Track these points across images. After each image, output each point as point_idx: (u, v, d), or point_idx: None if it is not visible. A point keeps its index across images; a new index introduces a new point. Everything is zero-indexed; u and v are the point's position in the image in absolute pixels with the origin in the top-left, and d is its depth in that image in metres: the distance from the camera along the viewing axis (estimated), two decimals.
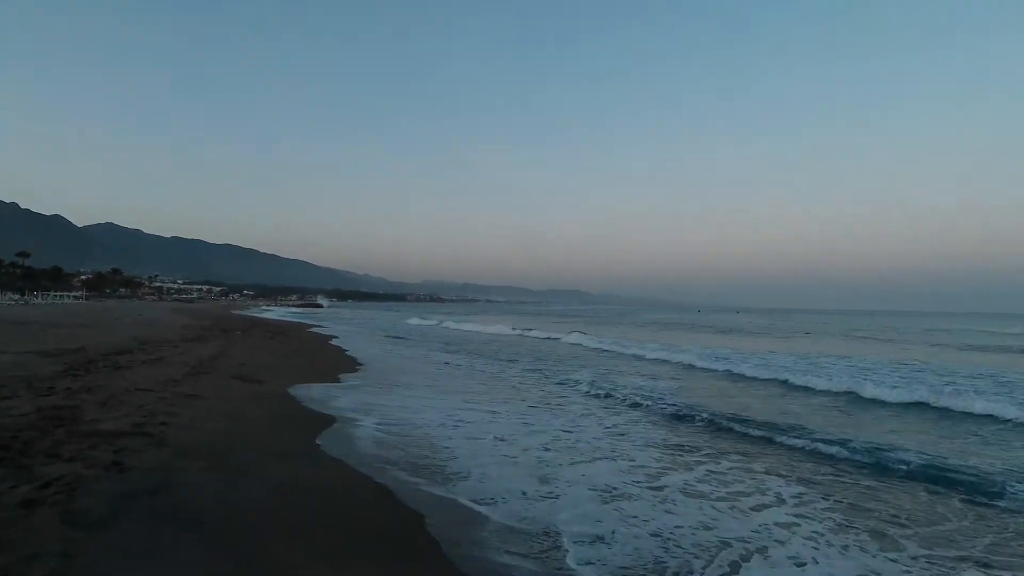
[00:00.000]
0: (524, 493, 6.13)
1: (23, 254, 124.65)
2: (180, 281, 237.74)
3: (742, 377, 17.15)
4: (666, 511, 5.72)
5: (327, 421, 9.42)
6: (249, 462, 6.43)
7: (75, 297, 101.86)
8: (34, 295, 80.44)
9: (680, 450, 8.41)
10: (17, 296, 72.90)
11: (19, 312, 41.72)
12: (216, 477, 5.72)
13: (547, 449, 8.21)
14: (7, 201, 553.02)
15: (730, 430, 9.77)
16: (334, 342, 28.20)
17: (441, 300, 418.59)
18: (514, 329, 40.42)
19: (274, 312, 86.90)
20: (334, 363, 18.95)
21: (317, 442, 7.93)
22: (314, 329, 39.71)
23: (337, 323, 53.00)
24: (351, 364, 18.79)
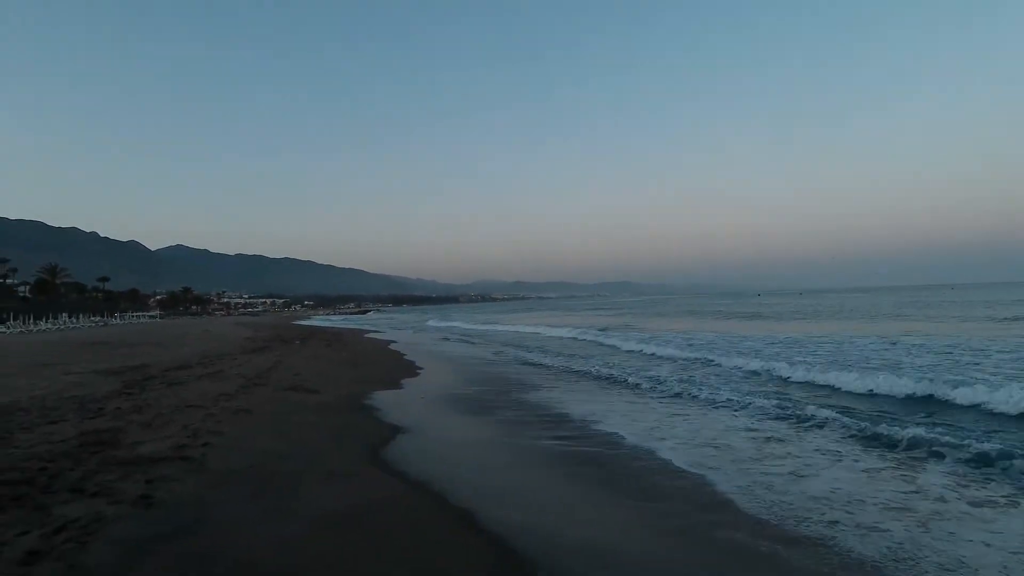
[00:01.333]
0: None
1: (103, 279, 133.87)
2: (245, 296, 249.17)
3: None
4: None
5: (389, 432, 8.64)
6: (298, 486, 5.64)
7: (151, 316, 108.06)
8: (113, 316, 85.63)
9: None
10: (98, 318, 77.77)
11: (97, 333, 43.98)
12: (258, 509, 4.93)
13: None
14: (87, 231, 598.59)
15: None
16: (392, 347, 27.87)
17: (493, 299, 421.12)
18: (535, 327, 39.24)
19: (330, 320, 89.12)
20: (393, 369, 18.40)
21: (380, 456, 7.12)
22: (371, 335, 39.83)
23: (393, 328, 53.31)
24: (411, 369, 18.18)
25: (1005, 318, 30.24)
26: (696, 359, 17.66)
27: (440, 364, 19.72)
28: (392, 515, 5.10)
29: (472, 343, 30.26)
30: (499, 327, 46.21)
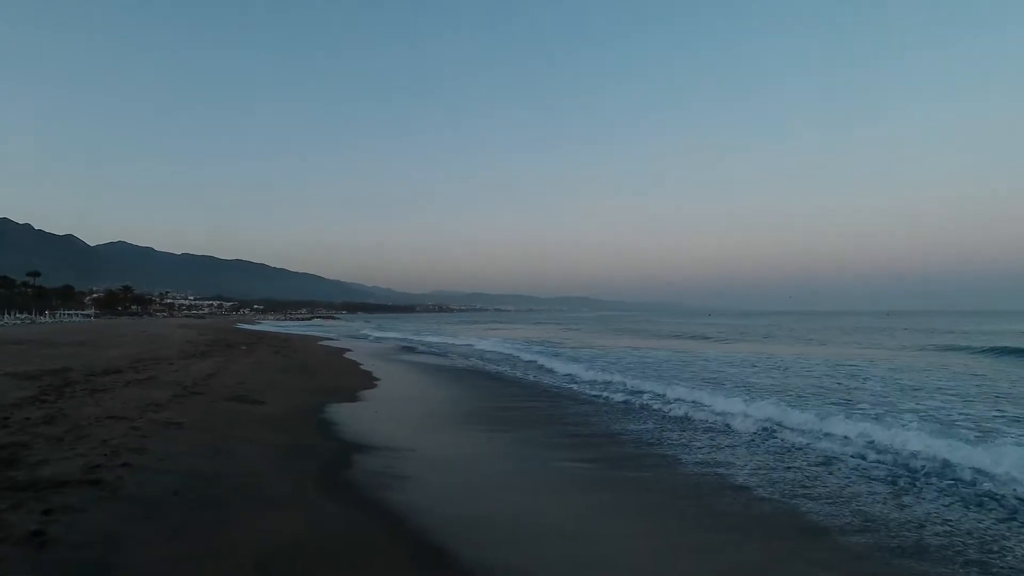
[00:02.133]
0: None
1: (34, 274, 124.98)
2: (191, 297, 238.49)
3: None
4: None
5: (343, 451, 7.85)
6: (232, 518, 4.85)
7: (86, 315, 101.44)
8: (43, 315, 79.83)
9: None
10: (24, 315, 72.29)
11: (21, 332, 40.65)
12: (180, 547, 4.14)
13: None
14: (20, 222, 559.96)
15: None
16: (348, 356, 26.68)
17: (450, 310, 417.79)
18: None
19: (281, 325, 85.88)
20: (348, 378, 17.42)
21: (334, 479, 6.36)
22: (324, 342, 38.26)
23: (347, 336, 51.60)
24: (368, 379, 17.24)
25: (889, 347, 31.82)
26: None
27: (399, 374, 18.85)
28: (346, 552, 4.41)
29: (428, 353, 29.39)
30: (453, 340, 45.50)
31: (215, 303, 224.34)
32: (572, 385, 15.76)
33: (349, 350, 30.49)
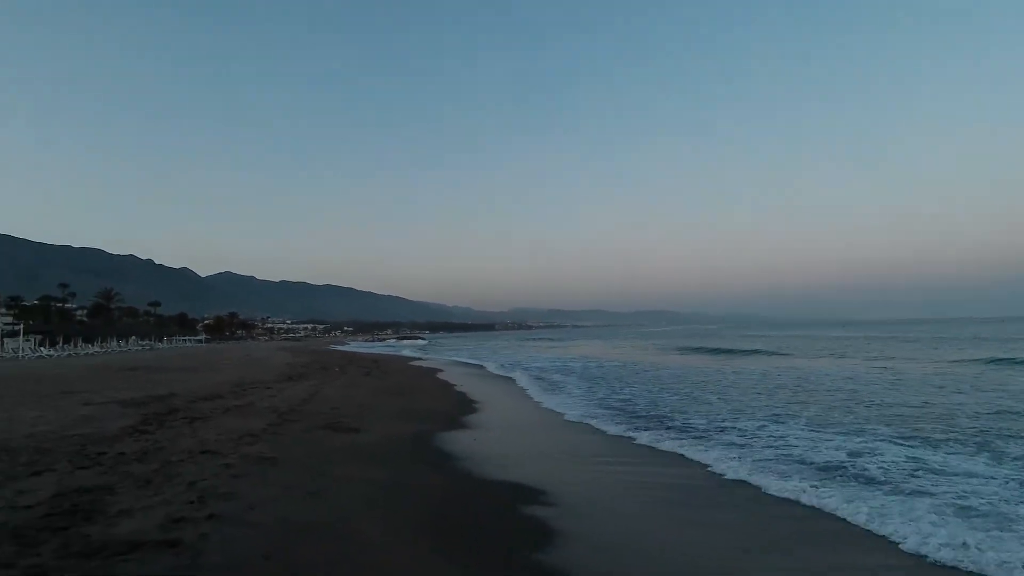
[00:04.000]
0: None
1: (154, 304, 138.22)
2: (288, 320, 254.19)
3: None
4: None
5: (454, 493, 6.74)
6: None
7: (197, 341, 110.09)
8: (160, 341, 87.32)
9: None
10: (146, 342, 79.26)
11: (140, 357, 44.00)
12: None
13: None
14: (143, 258, 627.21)
15: None
16: (440, 376, 26.15)
17: (528, 327, 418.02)
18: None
19: (371, 347, 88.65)
20: (446, 402, 16.61)
21: (446, 531, 5.21)
22: (414, 363, 38.30)
23: (438, 354, 51.85)
24: (466, 402, 16.32)
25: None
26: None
27: (497, 397, 17.78)
28: None
29: (520, 371, 28.29)
30: (538, 354, 44.32)
31: (309, 326, 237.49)
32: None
33: (440, 370, 30.02)
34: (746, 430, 10.82)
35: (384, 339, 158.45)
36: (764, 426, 11.18)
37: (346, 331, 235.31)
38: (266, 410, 12.18)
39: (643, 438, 10.37)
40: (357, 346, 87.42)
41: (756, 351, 38.70)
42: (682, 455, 9.00)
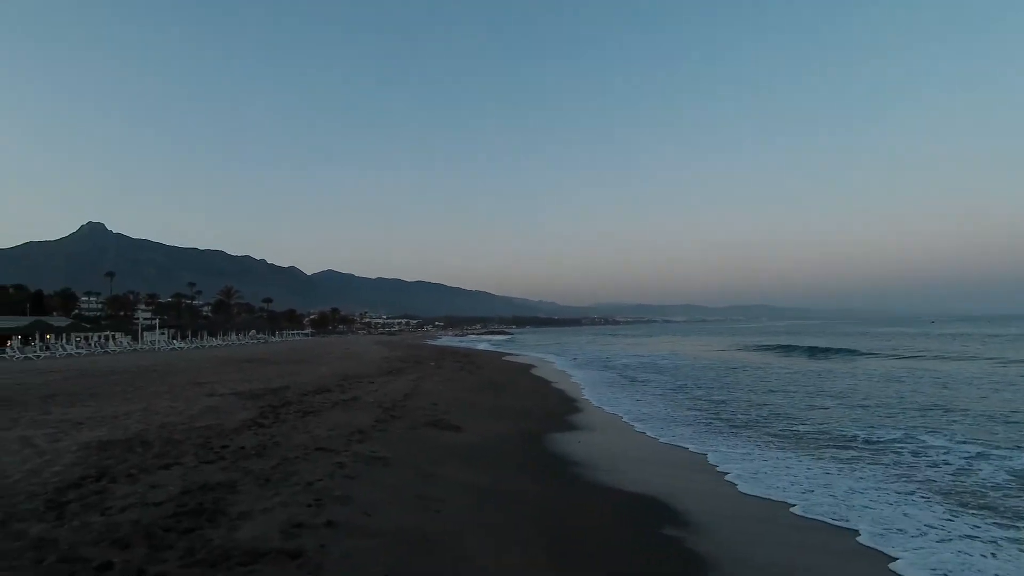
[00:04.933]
0: None
1: (267, 300, 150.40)
2: (384, 316, 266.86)
3: None
4: None
5: (582, 506, 6.20)
6: None
7: (304, 334, 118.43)
8: (274, 335, 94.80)
9: None
10: (260, 336, 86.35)
11: (256, 350, 47.63)
12: None
13: None
14: (257, 258, 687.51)
15: None
16: (535, 372, 25.85)
17: (616, 322, 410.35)
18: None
19: (461, 340, 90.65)
20: (542, 400, 16.19)
21: (574, 554, 4.67)
22: (507, 357, 38.38)
23: (526, 350, 51.86)
24: (564, 402, 15.81)
25: None
26: None
27: (596, 397, 17.06)
28: None
29: (612, 368, 27.28)
30: (628, 350, 42.83)
31: (403, 321, 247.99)
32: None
33: (532, 366, 29.75)
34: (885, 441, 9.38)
35: (473, 334, 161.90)
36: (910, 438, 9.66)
37: (437, 326, 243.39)
38: (371, 405, 12.31)
39: (765, 456, 9.27)
40: (448, 341, 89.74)
41: (872, 353, 34.86)
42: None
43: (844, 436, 10.17)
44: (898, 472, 7.72)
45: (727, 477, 7.61)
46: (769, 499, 6.63)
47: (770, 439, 10.09)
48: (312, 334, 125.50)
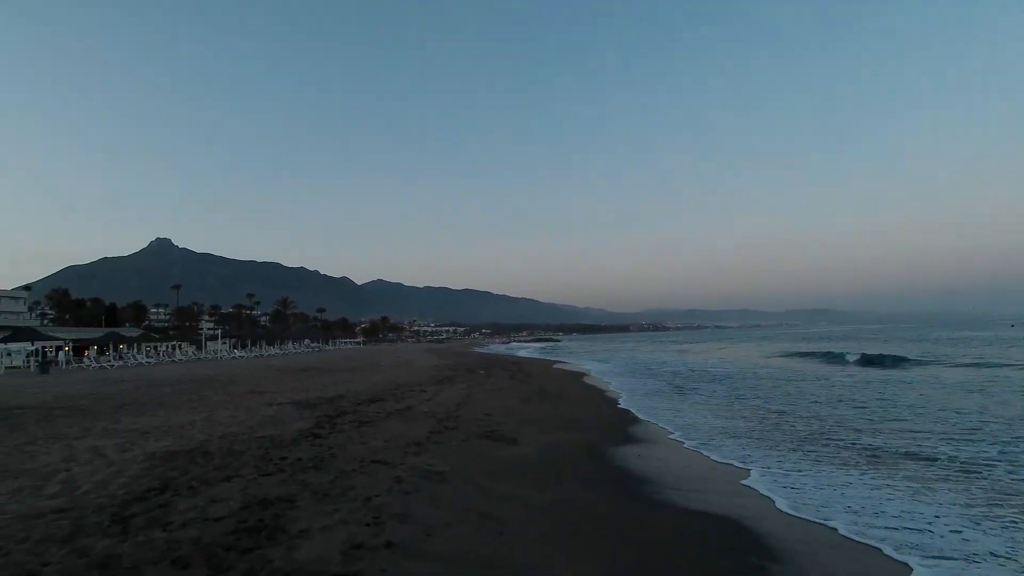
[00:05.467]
0: None
1: (321, 310, 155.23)
2: (432, 324, 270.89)
3: None
4: None
5: (659, 529, 5.76)
6: None
7: (356, 343, 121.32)
8: (327, 343, 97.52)
9: None
10: (315, 345, 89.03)
11: (312, 358, 48.93)
12: None
13: None
14: (311, 269, 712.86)
15: None
16: (586, 380, 25.31)
17: (665, 328, 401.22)
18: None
19: (509, 347, 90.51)
20: (596, 410, 15.70)
21: None
22: (558, 366, 37.89)
23: (574, 357, 51.16)
24: (618, 412, 15.26)
25: None
26: None
27: (651, 407, 16.42)
28: None
29: (664, 377, 26.35)
30: (681, 358, 41.40)
31: (451, 328, 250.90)
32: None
33: (583, 374, 29.18)
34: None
35: (520, 341, 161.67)
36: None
37: (484, 333, 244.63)
38: (425, 415, 12.18)
39: (842, 476, 8.49)
40: (495, 348, 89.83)
41: (944, 361, 32.24)
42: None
43: (928, 453, 9.23)
44: (997, 494, 6.87)
45: (806, 502, 6.95)
46: (864, 542, 5.89)
47: (845, 456, 9.26)
48: (363, 342, 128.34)
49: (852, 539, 5.62)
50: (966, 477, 7.75)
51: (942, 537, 5.59)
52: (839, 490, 7.28)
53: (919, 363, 29.90)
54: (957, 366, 27.70)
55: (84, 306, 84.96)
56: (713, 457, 9.59)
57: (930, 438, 10.43)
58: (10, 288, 69.83)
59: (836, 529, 5.93)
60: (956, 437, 10.43)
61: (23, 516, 5.16)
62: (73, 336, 49.87)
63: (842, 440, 10.54)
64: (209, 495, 5.83)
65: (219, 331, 73.13)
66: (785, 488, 7.43)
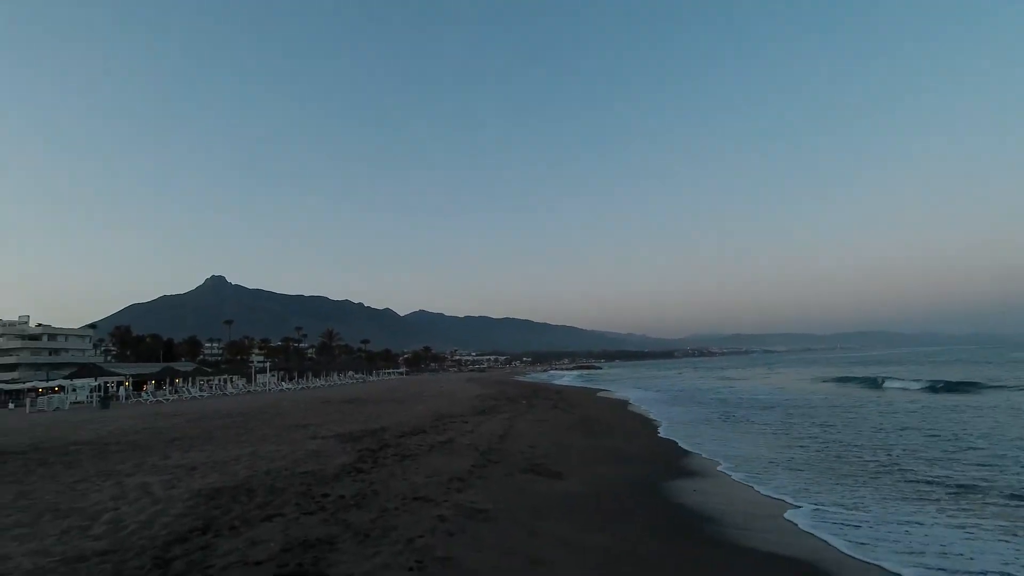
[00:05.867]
0: None
1: (365, 341, 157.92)
2: (473, 353, 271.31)
3: None
4: None
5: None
6: None
7: (399, 373, 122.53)
8: (371, 374, 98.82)
9: None
10: (359, 376, 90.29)
11: (356, 390, 49.46)
12: None
13: None
14: (355, 302, 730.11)
15: None
16: (630, 409, 24.54)
17: (710, 354, 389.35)
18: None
19: (551, 376, 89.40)
20: (643, 442, 15.08)
21: None
22: (600, 395, 37.02)
23: (616, 385, 49.98)
24: (665, 444, 14.61)
25: None
26: None
27: (700, 438, 15.64)
28: None
29: (711, 405, 25.23)
30: (725, 384, 39.74)
31: (492, 357, 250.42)
32: None
33: (627, 403, 28.34)
34: None
35: (561, 368, 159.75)
36: None
37: (525, 362, 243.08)
38: (467, 448, 11.90)
39: (917, 515, 7.71)
40: (536, 376, 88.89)
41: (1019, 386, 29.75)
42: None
43: (1012, 489, 8.32)
44: None
45: (891, 544, 6.29)
46: None
47: (919, 492, 8.46)
48: (406, 373, 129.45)
49: None
50: None
51: None
52: (923, 529, 6.59)
53: (989, 388, 27.74)
54: None
55: (144, 342, 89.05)
56: (769, 493, 8.93)
57: (1010, 468, 9.46)
58: (78, 327, 73.98)
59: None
60: None
61: (67, 559, 5.15)
62: (133, 371, 52.10)
63: (914, 471, 9.69)
64: (250, 536, 5.70)
65: (268, 364, 75.10)
66: (860, 527, 6.78)
